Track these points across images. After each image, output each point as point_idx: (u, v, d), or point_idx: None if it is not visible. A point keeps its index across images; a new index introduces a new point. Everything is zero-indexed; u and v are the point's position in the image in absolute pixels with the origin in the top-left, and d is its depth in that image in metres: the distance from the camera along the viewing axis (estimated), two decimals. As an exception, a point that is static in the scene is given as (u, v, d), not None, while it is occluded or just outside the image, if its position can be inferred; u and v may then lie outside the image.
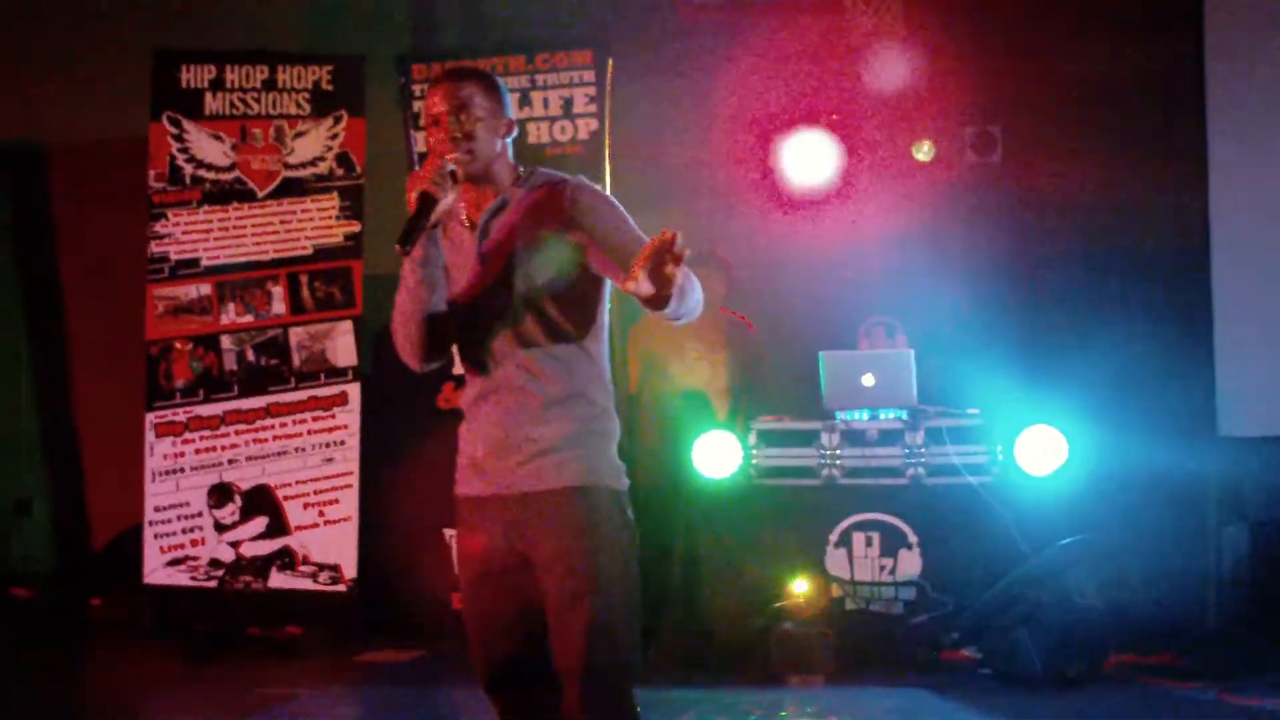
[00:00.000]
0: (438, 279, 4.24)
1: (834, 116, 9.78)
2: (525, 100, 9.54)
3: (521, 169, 4.37)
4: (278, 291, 9.65)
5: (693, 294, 4.04)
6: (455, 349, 4.38)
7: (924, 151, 9.75)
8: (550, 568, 4.17)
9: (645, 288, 3.78)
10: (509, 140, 4.35)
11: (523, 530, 4.21)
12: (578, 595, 4.13)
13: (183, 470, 9.53)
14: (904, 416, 8.65)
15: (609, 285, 4.31)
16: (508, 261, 4.24)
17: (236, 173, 9.73)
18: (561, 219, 4.23)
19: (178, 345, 9.61)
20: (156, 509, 9.50)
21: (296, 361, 9.60)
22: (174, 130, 9.71)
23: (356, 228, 9.69)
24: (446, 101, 4.24)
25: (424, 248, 4.18)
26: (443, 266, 4.27)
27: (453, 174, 4.15)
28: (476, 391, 4.30)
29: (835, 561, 8.61)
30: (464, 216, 4.33)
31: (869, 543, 8.58)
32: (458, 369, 9.02)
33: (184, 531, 9.49)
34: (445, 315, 4.29)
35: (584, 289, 4.28)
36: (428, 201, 4.08)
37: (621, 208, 4.27)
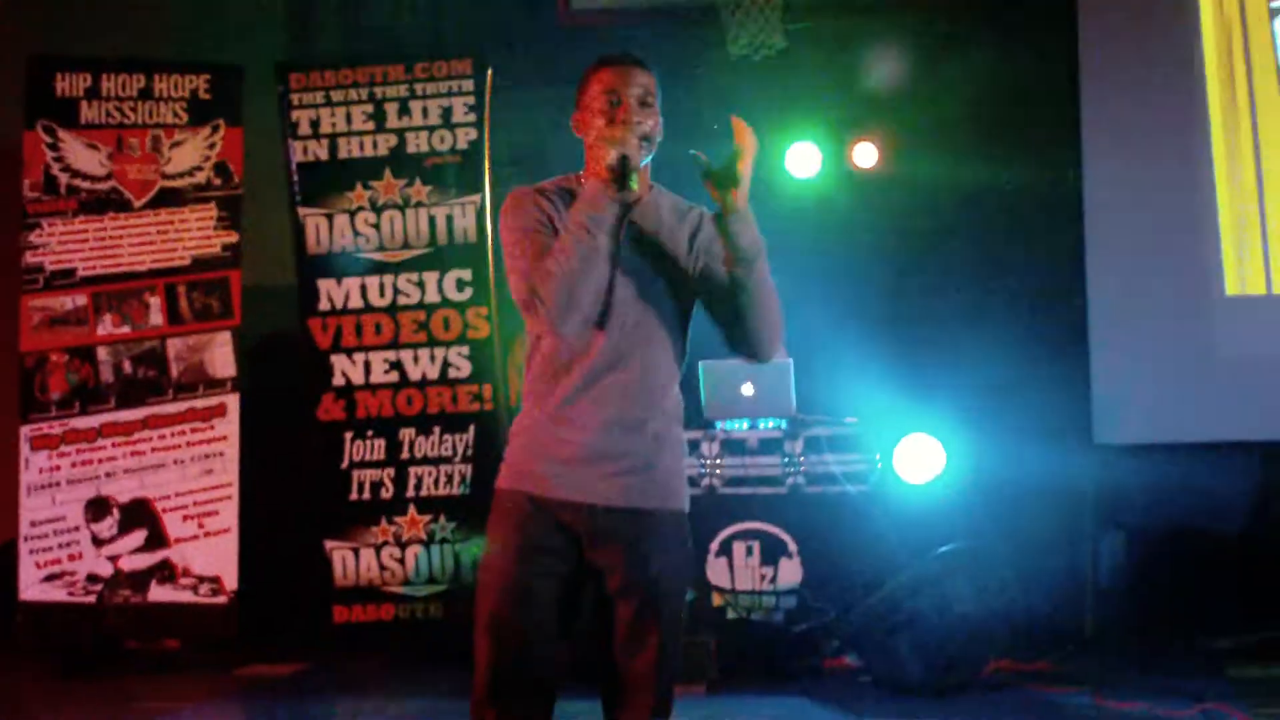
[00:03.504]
0: (607, 245, 4.10)
1: (714, 126, 9.79)
2: (404, 110, 9.52)
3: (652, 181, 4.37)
4: (155, 302, 9.56)
5: (769, 290, 4.16)
6: (553, 338, 4.22)
7: (799, 161, 9.77)
8: (630, 586, 4.17)
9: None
10: None
11: (605, 542, 4.18)
12: (653, 619, 4.16)
13: (59, 484, 9.40)
14: (783, 426, 8.70)
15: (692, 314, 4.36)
16: (639, 261, 4.24)
17: (113, 182, 9.62)
18: (696, 241, 4.30)
19: (53, 357, 9.49)
20: (32, 524, 9.35)
21: (175, 373, 9.51)
22: (49, 139, 9.59)
23: (235, 238, 9.62)
24: (632, 86, 4.21)
25: (611, 208, 4.09)
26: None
27: (647, 140, 4.11)
28: (575, 385, 4.21)
29: (716, 571, 8.65)
30: None
31: (749, 552, 8.63)
32: (338, 379, 9.09)
33: (60, 546, 9.35)
34: (603, 284, 4.14)
35: (687, 310, 4.33)
36: (626, 165, 4.04)
37: None
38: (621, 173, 4.02)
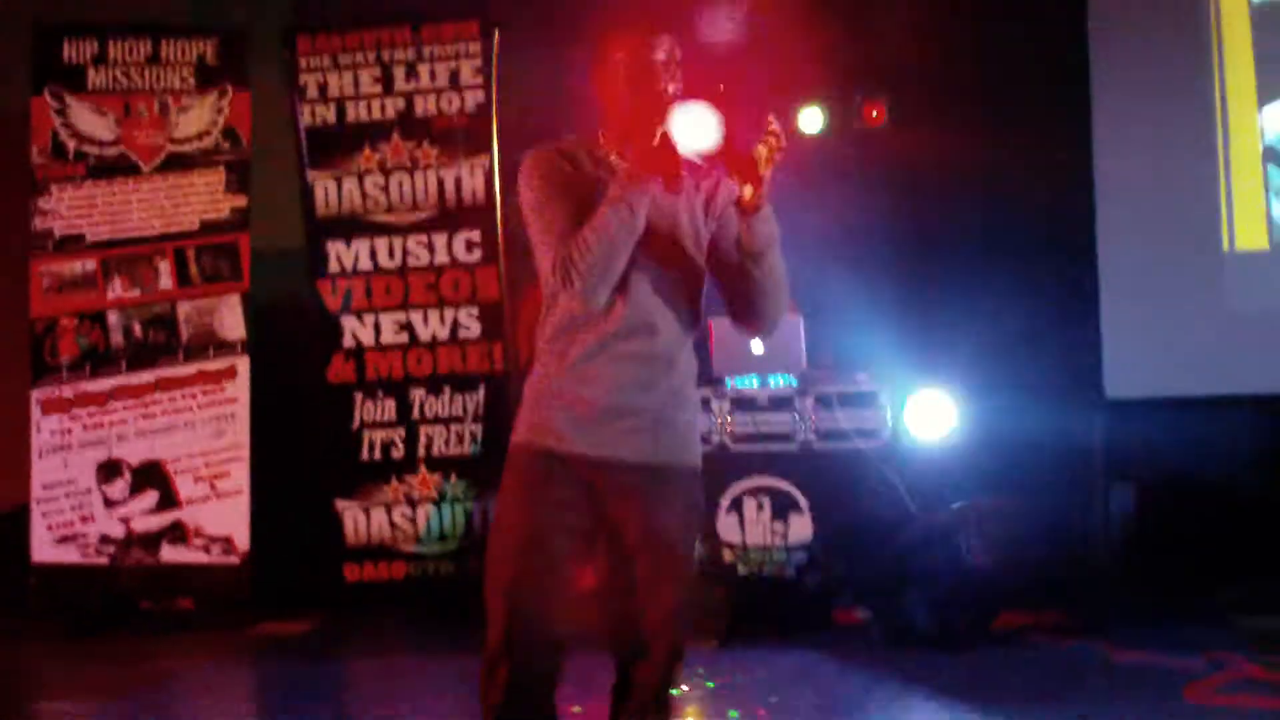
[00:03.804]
0: (644, 218, 4.16)
1: (720, 86, 9.79)
2: (411, 72, 9.52)
3: None
4: (165, 266, 9.58)
5: (781, 274, 4.23)
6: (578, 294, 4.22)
7: (810, 118, 9.77)
8: (648, 538, 4.24)
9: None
10: None
11: (624, 496, 4.25)
12: (670, 571, 4.25)
13: (70, 447, 9.44)
14: (794, 382, 8.70)
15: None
16: (686, 235, 4.30)
17: (121, 147, 9.65)
18: (718, 208, 4.35)
19: (63, 321, 9.52)
20: (44, 486, 9.40)
21: (184, 336, 9.53)
22: (57, 104, 9.61)
23: (243, 202, 9.63)
24: (666, 52, 4.27)
25: (655, 183, 4.15)
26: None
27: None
28: (594, 342, 4.24)
29: (727, 527, 8.64)
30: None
31: (760, 508, 8.62)
32: (348, 341, 9.11)
33: (73, 509, 9.40)
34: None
35: (703, 277, 4.37)
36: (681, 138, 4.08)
37: None
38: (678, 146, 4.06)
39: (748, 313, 4.27)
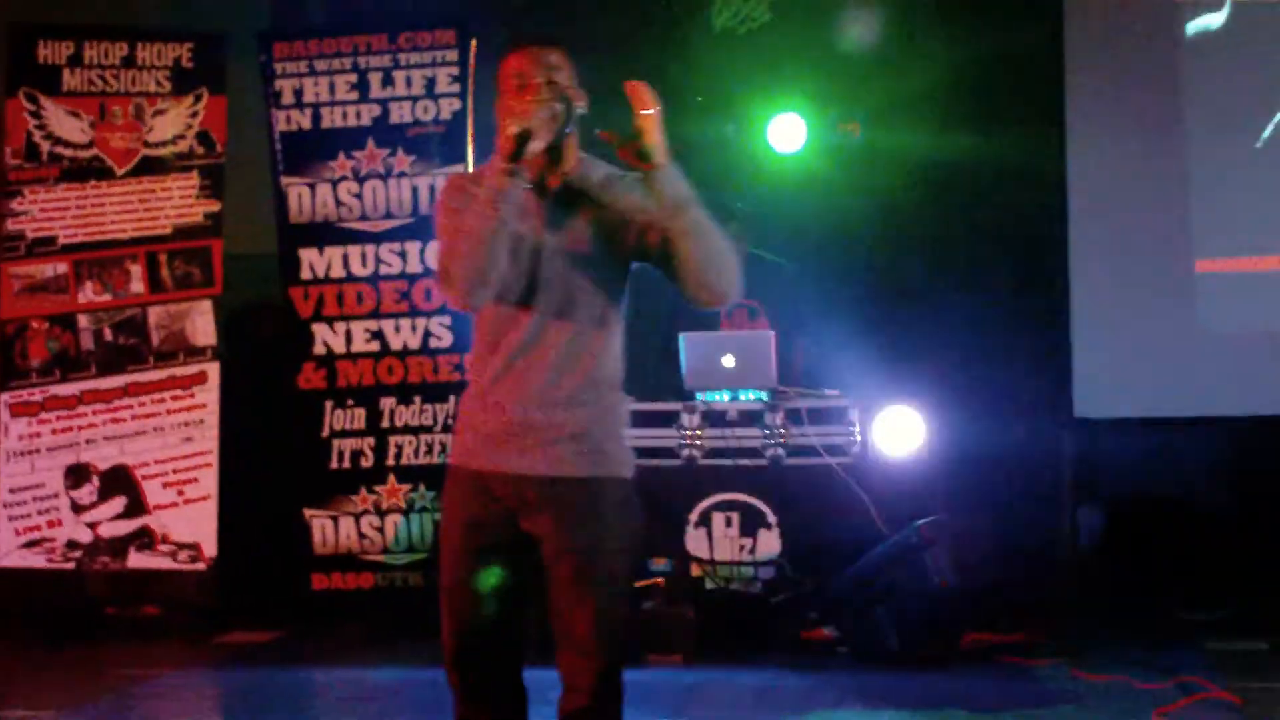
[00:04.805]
0: (512, 220, 4.17)
1: (698, 98, 9.82)
2: (388, 80, 9.52)
3: (582, 152, 4.40)
4: (136, 270, 9.55)
5: (713, 235, 4.18)
6: (487, 311, 4.31)
7: (783, 135, 9.76)
8: (564, 555, 4.22)
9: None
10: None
11: (535, 512, 4.25)
12: (588, 584, 4.20)
13: (39, 451, 9.41)
14: (764, 398, 8.70)
15: (630, 278, 4.38)
16: (571, 235, 4.28)
17: (95, 150, 9.62)
18: (620, 208, 4.30)
19: (34, 324, 9.49)
20: (11, 490, 9.37)
21: (155, 341, 9.50)
22: (31, 106, 9.58)
23: (217, 207, 9.61)
24: (536, 65, 4.24)
25: (514, 183, 4.15)
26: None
27: (567, 112, 4.18)
28: (501, 362, 4.28)
29: (695, 541, 8.64)
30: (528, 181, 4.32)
31: (729, 523, 8.62)
32: (319, 348, 9.12)
33: (40, 513, 9.36)
34: (506, 259, 4.19)
35: (625, 279, 4.36)
36: (526, 139, 4.08)
37: None
38: (518, 147, 4.08)
39: (696, 279, 4.18)
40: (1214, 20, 9.33)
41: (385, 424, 9.37)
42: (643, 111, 4.05)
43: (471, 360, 4.43)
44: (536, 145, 4.11)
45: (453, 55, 9.48)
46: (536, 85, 4.21)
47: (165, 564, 9.31)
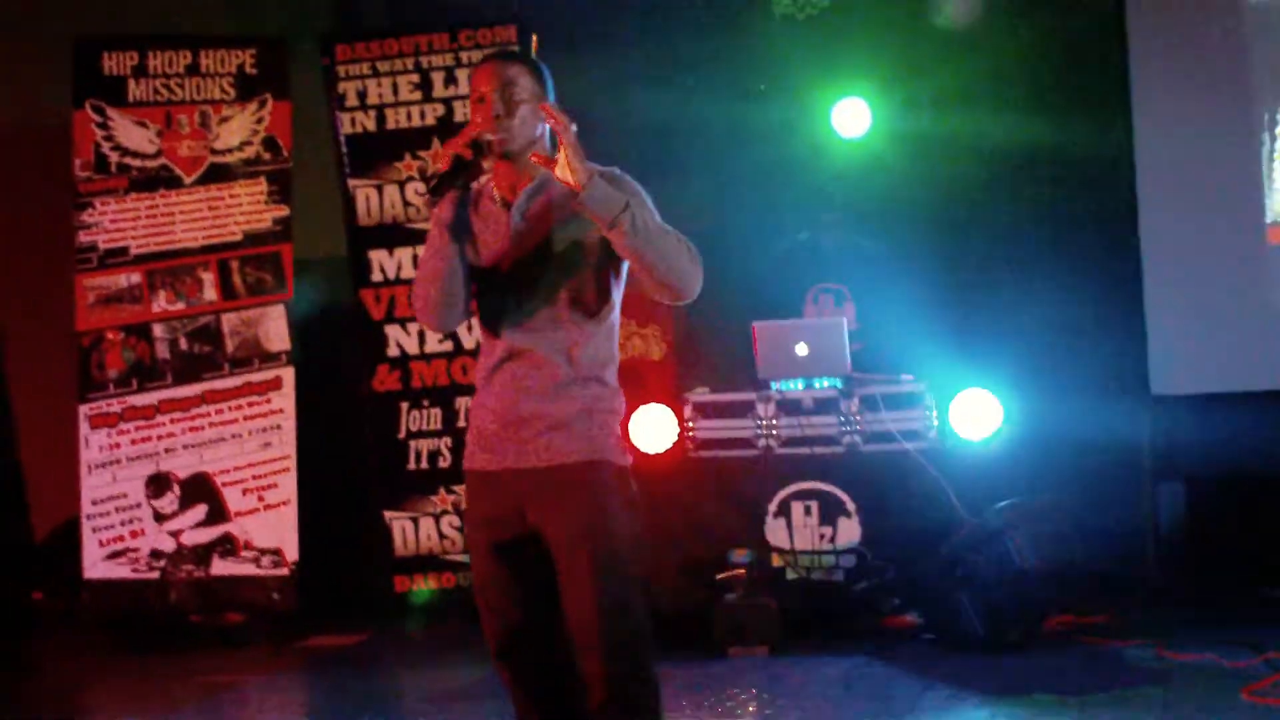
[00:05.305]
0: (462, 244, 4.35)
1: (760, 86, 9.79)
2: (450, 79, 9.55)
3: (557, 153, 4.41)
4: (209, 278, 9.60)
5: (658, 239, 4.24)
6: (477, 321, 4.52)
7: (847, 120, 9.71)
8: (563, 543, 4.29)
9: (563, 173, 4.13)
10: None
11: (535, 504, 4.31)
12: (590, 570, 4.24)
13: (119, 461, 9.48)
14: (838, 385, 8.69)
15: (626, 268, 4.43)
16: (540, 241, 4.36)
17: (163, 159, 9.67)
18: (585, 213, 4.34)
19: (109, 335, 9.56)
20: (94, 501, 9.45)
21: (230, 348, 9.56)
22: (98, 118, 9.64)
23: (285, 212, 9.65)
24: (492, 80, 4.34)
25: (452, 210, 4.32)
26: (469, 236, 4.40)
27: (488, 144, 4.26)
28: (492, 364, 4.41)
29: (775, 532, 8.64)
30: (496, 194, 4.44)
31: (808, 512, 8.62)
32: (392, 350, 9.16)
33: (123, 524, 9.43)
34: (466, 281, 4.39)
35: (607, 272, 4.40)
36: (459, 163, 4.20)
37: (648, 198, 4.36)
38: (452, 168, 4.21)
39: (652, 281, 4.28)
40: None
41: (461, 423, 9.36)
42: (555, 130, 4.14)
43: (477, 367, 4.55)
44: (475, 168, 4.26)
45: (514, 52, 9.48)
46: (491, 100, 4.32)
47: (248, 570, 9.36)
